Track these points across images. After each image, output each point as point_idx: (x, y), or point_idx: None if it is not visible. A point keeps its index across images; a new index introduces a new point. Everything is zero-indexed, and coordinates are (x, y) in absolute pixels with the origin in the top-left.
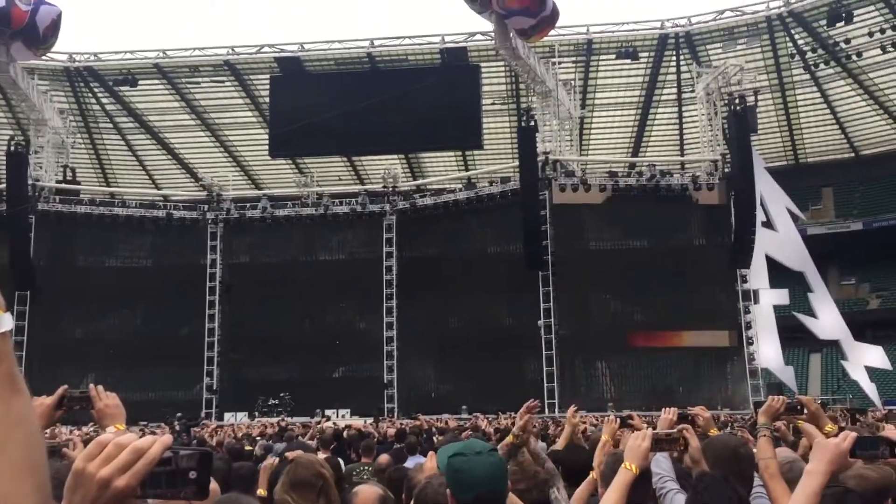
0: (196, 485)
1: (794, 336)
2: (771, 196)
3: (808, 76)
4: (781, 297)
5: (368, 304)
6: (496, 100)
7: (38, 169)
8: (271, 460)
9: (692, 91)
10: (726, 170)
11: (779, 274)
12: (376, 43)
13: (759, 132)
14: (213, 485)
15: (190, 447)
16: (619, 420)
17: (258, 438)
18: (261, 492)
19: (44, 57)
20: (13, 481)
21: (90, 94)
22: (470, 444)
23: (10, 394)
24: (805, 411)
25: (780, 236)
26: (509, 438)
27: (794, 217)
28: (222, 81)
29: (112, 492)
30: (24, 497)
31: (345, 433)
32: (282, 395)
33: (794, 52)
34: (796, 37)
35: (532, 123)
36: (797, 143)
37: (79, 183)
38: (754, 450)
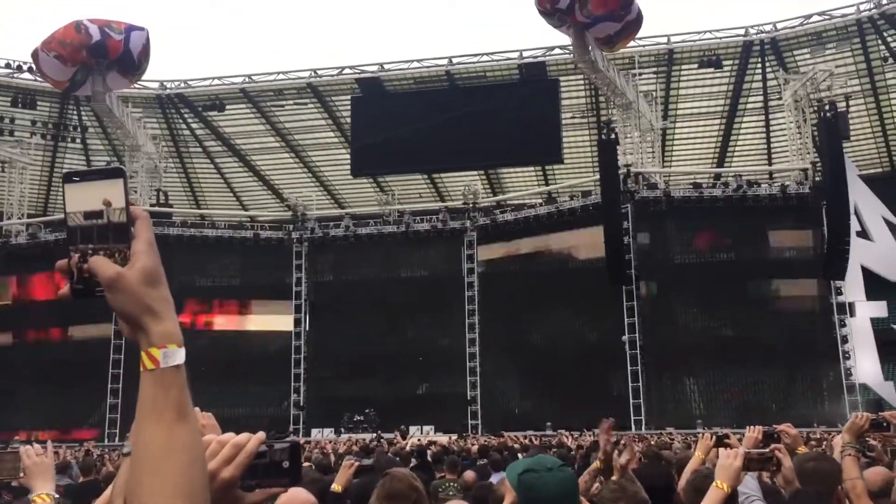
0: (289, 473)
1: (894, 350)
2: (866, 205)
3: None
4: (879, 309)
5: (450, 320)
6: (576, 113)
7: (133, 193)
8: (350, 462)
9: (779, 98)
10: (817, 178)
11: (876, 285)
12: (455, 60)
13: (851, 139)
14: (308, 495)
15: (281, 440)
16: (714, 438)
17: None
18: (336, 487)
19: (137, 85)
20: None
21: (181, 120)
22: (540, 460)
23: (175, 422)
24: (891, 428)
25: (876, 246)
26: (596, 464)
27: (892, 226)
28: (305, 104)
29: (218, 483)
30: None
31: (429, 449)
32: (367, 411)
33: (887, 54)
34: (889, 39)
35: (613, 136)
36: (893, 149)
37: (171, 206)
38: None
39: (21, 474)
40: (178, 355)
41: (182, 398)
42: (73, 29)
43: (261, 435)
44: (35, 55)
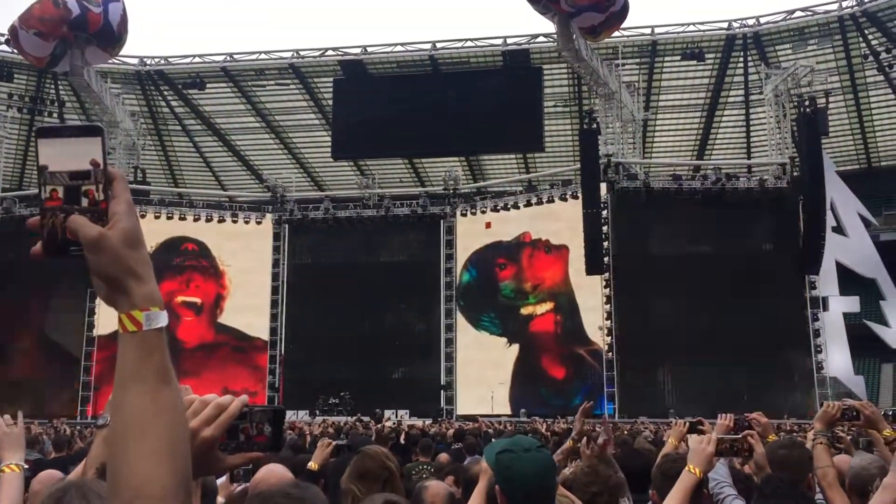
0: (270, 438)
1: (865, 345)
2: (842, 200)
3: (881, 77)
4: (852, 304)
5: (428, 305)
6: (558, 102)
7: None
8: (327, 441)
9: (760, 93)
10: (795, 173)
11: (849, 281)
12: (438, 45)
13: (830, 135)
14: (286, 471)
15: (264, 405)
16: (688, 424)
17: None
18: (312, 465)
19: (116, 61)
20: (153, 464)
21: (160, 97)
22: (518, 440)
23: (159, 384)
24: (861, 417)
25: (851, 242)
26: (568, 444)
27: (867, 222)
28: (287, 84)
29: (199, 441)
30: (161, 478)
31: (402, 433)
32: (342, 394)
33: (868, 52)
34: (870, 37)
35: (594, 126)
36: (870, 146)
37: (149, 184)
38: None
39: None
40: (161, 318)
41: (164, 361)
42: (52, 4)
43: (244, 397)
44: (14, 33)
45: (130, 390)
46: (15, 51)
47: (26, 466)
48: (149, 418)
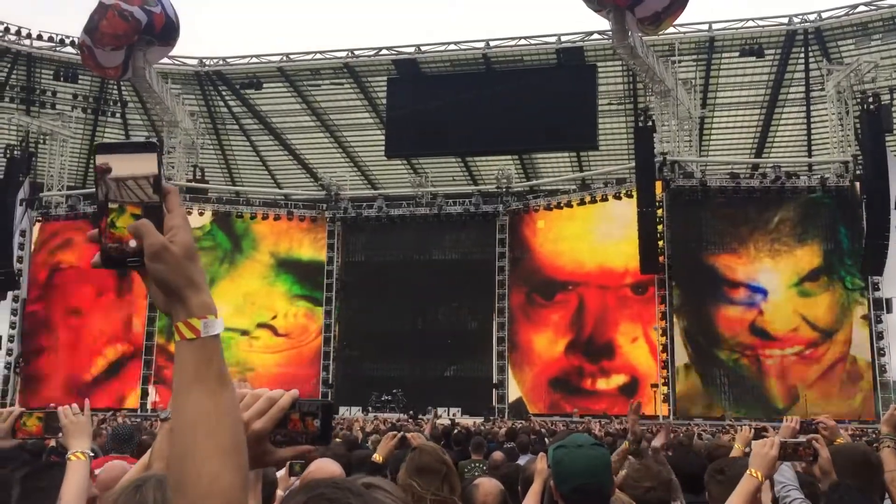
0: (319, 430)
1: None
2: None
3: None
4: None
5: (480, 303)
6: (613, 100)
7: (171, 168)
8: (392, 433)
9: (821, 89)
10: (858, 171)
11: None
12: (492, 44)
13: (894, 132)
14: (338, 467)
15: (313, 399)
16: (753, 430)
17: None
18: (377, 457)
19: (176, 62)
20: (219, 463)
21: (218, 97)
22: (574, 437)
23: (219, 387)
24: None
25: None
26: (625, 445)
27: None
28: (342, 83)
29: (250, 434)
30: (227, 475)
31: (454, 431)
32: (394, 391)
33: None
34: None
35: (650, 123)
36: None
37: (207, 182)
38: None
39: (59, 434)
40: (218, 325)
41: (222, 365)
42: (120, 19)
43: (294, 391)
44: (88, 51)
45: (193, 394)
46: (79, 53)
47: (92, 454)
48: (213, 420)
